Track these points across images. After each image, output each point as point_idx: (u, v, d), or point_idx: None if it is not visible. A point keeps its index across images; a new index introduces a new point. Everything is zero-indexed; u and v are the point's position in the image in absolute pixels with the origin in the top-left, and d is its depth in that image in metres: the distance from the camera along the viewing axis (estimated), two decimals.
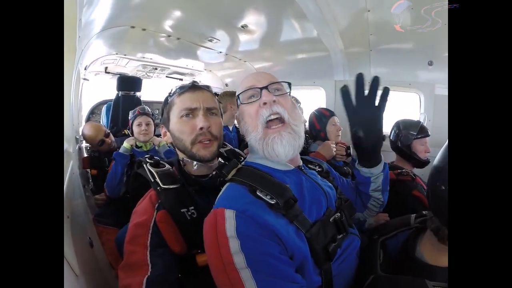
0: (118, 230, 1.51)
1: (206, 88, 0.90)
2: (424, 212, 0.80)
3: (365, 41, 1.98)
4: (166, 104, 0.89)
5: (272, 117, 0.73)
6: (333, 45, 2.09)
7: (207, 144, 0.82)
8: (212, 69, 3.33)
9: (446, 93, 2.05)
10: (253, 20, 1.87)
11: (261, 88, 0.75)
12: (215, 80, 3.62)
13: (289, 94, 0.82)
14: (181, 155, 0.87)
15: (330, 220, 0.71)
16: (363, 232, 0.90)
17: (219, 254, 0.59)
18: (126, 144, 1.87)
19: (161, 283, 0.64)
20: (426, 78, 2.13)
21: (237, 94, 0.82)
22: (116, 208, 1.79)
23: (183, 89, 0.86)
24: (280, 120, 0.74)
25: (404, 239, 0.78)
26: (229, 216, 0.62)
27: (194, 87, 0.86)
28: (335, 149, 1.70)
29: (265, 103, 0.73)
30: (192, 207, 0.76)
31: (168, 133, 0.89)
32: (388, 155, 1.87)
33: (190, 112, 0.83)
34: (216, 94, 0.92)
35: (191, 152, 0.82)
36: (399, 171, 1.56)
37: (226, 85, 3.63)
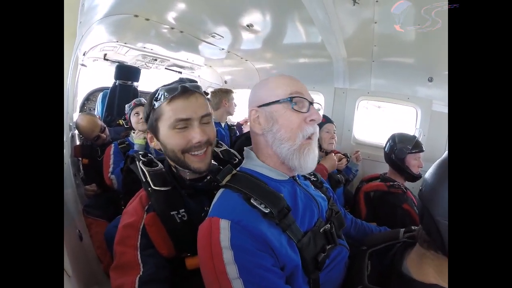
0: (107, 222, 1.49)
1: (197, 90, 0.81)
2: (413, 227, 0.81)
3: (369, 51, 1.99)
4: (153, 110, 0.79)
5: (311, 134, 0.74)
6: (336, 52, 2.10)
7: (202, 156, 0.79)
8: (212, 64, 3.31)
9: (443, 110, 2.09)
10: (259, 20, 1.86)
11: (311, 103, 0.75)
12: (214, 76, 3.59)
13: None
14: (172, 163, 0.83)
15: (320, 230, 0.73)
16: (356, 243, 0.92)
17: (212, 263, 0.59)
18: (138, 140, 1.83)
19: (153, 282, 0.64)
20: (424, 94, 2.15)
21: (269, 93, 0.76)
22: (106, 200, 1.77)
23: (172, 94, 0.76)
24: (312, 136, 0.75)
25: (392, 253, 0.79)
26: (224, 226, 0.62)
27: (185, 91, 0.77)
28: (337, 162, 1.72)
29: (312, 120, 0.73)
30: (183, 210, 0.75)
31: (155, 140, 0.83)
32: (381, 166, 1.90)
33: (184, 123, 0.76)
34: (205, 93, 0.86)
35: (184, 163, 0.78)
36: (391, 183, 1.58)
37: (225, 82, 3.61)
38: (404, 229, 0.84)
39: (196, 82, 0.84)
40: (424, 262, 0.67)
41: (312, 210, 0.75)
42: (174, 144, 0.77)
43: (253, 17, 1.83)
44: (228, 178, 0.73)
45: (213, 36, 2.23)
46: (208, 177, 0.82)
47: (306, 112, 0.73)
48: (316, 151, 0.76)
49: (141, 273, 0.64)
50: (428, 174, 0.67)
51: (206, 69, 3.45)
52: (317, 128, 0.76)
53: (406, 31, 1.62)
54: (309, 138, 0.74)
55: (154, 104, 0.79)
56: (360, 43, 1.91)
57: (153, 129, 0.81)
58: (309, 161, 0.73)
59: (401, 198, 1.50)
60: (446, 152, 0.67)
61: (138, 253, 0.68)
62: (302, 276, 0.66)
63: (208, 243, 0.61)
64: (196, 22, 2.00)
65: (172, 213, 0.73)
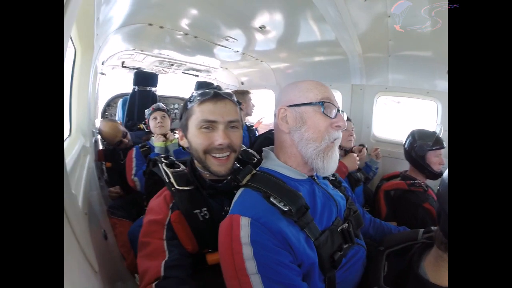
0: (131, 222, 1.57)
1: (229, 97, 0.85)
2: (432, 228, 0.79)
3: (384, 46, 1.93)
4: (186, 110, 0.86)
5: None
6: (351, 49, 2.05)
7: (223, 160, 0.81)
8: (228, 67, 3.35)
9: None
10: (271, 21, 1.87)
11: (339, 110, 0.79)
12: (230, 77, 3.64)
13: None
14: (196, 164, 0.87)
15: (338, 229, 0.74)
16: (375, 243, 0.91)
17: (232, 259, 0.62)
18: (158, 143, 1.91)
19: (178, 267, 0.69)
20: (444, 87, 2.05)
21: (300, 95, 0.79)
22: (129, 201, 1.86)
23: (204, 97, 0.81)
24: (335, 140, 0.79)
25: (410, 254, 0.77)
26: (244, 224, 0.64)
27: (216, 96, 0.82)
28: (359, 162, 1.70)
29: (338, 126, 0.77)
30: (205, 209, 0.78)
31: (185, 139, 0.88)
32: (402, 164, 1.84)
33: (210, 125, 0.80)
34: (238, 102, 0.90)
35: (205, 163, 0.82)
36: (411, 181, 1.53)
37: (242, 83, 3.65)
38: (423, 229, 0.81)
39: (212, 85, 0.88)
40: (442, 265, 0.65)
41: (331, 209, 0.77)
42: (198, 143, 0.81)
43: (265, 19, 1.83)
44: (248, 178, 0.76)
45: (227, 40, 2.26)
46: (229, 178, 0.85)
47: (333, 118, 0.76)
48: (337, 155, 0.79)
49: (166, 258, 0.69)
50: (445, 173, 0.65)
51: (222, 71, 3.50)
52: (341, 134, 0.79)
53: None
54: (332, 142, 0.77)
55: (187, 105, 0.85)
56: (375, 38, 1.86)
57: (184, 128, 0.87)
58: (332, 163, 0.77)
59: (422, 196, 1.45)
60: None
61: (165, 242, 0.72)
62: (318, 274, 0.67)
63: (229, 239, 0.64)
64: (209, 26, 2.04)
65: (195, 211, 0.77)
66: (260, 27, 1.95)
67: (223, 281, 0.65)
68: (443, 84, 2.05)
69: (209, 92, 0.82)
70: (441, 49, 1.78)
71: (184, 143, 0.89)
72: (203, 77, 3.61)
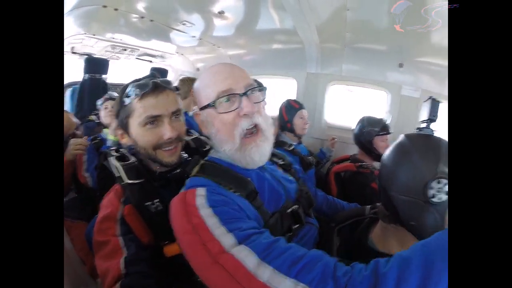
0: (86, 223, 1.46)
1: (168, 86, 0.81)
2: (377, 204, 0.86)
3: (341, 38, 2.03)
4: (123, 107, 0.79)
5: (251, 127, 0.71)
6: (309, 38, 2.12)
7: (173, 150, 0.80)
8: (184, 52, 3.22)
9: (412, 94, 2.22)
10: (231, 6, 1.83)
11: (241, 95, 0.70)
12: (186, 64, 3.51)
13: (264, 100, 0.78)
14: (143, 157, 0.84)
15: (288, 211, 0.75)
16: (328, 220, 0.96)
17: (191, 226, 0.58)
18: (111, 137, 1.74)
19: (138, 261, 0.66)
20: (394, 79, 2.25)
21: (203, 94, 0.74)
22: (82, 200, 1.72)
23: (143, 91, 0.76)
24: (256, 128, 0.72)
25: (359, 228, 0.86)
26: (200, 193, 0.62)
27: (156, 88, 0.77)
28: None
29: (245, 114, 0.69)
30: (157, 200, 0.76)
31: (126, 137, 0.83)
32: (352, 148, 2.00)
33: (154, 120, 0.77)
34: (176, 88, 0.86)
35: (155, 157, 0.80)
36: (360, 164, 1.68)
37: (198, 69, 3.54)
38: (370, 206, 0.90)
39: (160, 71, 0.83)
40: (387, 235, 0.74)
41: (279, 192, 0.77)
42: (145, 141, 0.78)
43: (225, 4, 1.79)
44: (196, 169, 0.74)
45: (184, 24, 2.17)
46: (178, 170, 0.83)
47: (237, 108, 0.70)
48: (265, 145, 0.74)
49: (125, 254, 0.66)
50: (384, 156, 0.74)
51: (178, 57, 3.35)
52: (260, 119, 0.72)
53: (378, 18, 1.67)
54: (252, 133, 0.72)
55: (124, 101, 0.79)
56: (333, 29, 1.94)
57: (124, 126, 0.82)
58: (256, 157, 0.72)
59: (370, 177, 1.59)
60: (401, 135, 0.74)
61: (120, 238, 0.69)
62: None
63: (183, 209, 0.61)
64: (167, 10, 1.94)
65: (146, 204, 0.74)
66: (220, 12, 1.90)
67: (185, 271, 0.62)
68: (393, 76, 2.26)
69: (147, 83, 0.76)
70: (394, 43, 1.94)
71: (126, 141, 0.84)
72: (157, 63, 3.42)
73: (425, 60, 2.08)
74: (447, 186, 0.61)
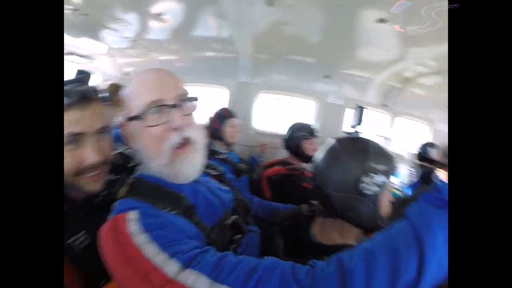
0: None
1: (96, 96, 0.68)
2: (312, 202, 0.92)
3: (275, 50, 2.18)
4: None
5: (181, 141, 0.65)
6: (244, 48, 2.21)
7: (97, 176, 0.67)
8: (114, 54, 2.89)
9: (336, 102, 2.65)
10: (171, 9, 1.76)
11: (172, 106, 0.63)
12: (114, 67, 3.15)
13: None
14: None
15: (227, 222, 0.71)
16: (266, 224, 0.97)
17: (125, 258, 0.50)
18: None
19: None
20: (321, 89, 2.62)
21: (132, 103, 0.65)
22: None
23: (67, 102, 0.60)
24: (187, 141, 0.66)
25: (298, 227, 0.90)
26: (132, 218, 0.54)
27: (83, 98, 0.63)
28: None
29: (174, 129, 0.63)
30: (83, 232, 0.65)
31: None
32: (281, 152, 2.12)
33: (75, 138, 0.63)
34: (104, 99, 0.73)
35: (77, 186, 0.66)
36: (290, 167, 1.81)
37: (126, 74, 3.22)
38: (306, 204, 0.95)
39: (89, 75, 0.70)
40: (327, 229, 0.81)
41: (215, 204, 0.73)
42: (64, 166, 0.60)
43: (165, 6, 1.71)
44: (125, 189, 0.65)
45: (118, 22, 1.97)
46: (104, 193, 0.72)
47: (166, 121, 0.63)
48: (197, 157, 0.69)
49: None
50: (317, 158, 0.82)
51: (107, 59, 2.98)
52: (191, 132, 0.67)
53: (311, 34, 1.86)
54: (183, 145, 0.65)
55: None
56: (268, 41, 2.06)
57: None
58: (188, 170, 0.67)
59: (301, 178, 1.73)
60: (332, 139, 0.83)
61: None
62: None
63: (114, 239, 0.53)
64: (103, 5, 1.75)
65: (68, 242, 0.62)
66: (159, 14, 1.81)
67: None
68: (320, 86, 2.61)
69: (71, 91, 0.61)
70: (323, 57, 2.21)
71: None
72: (83, 65, 2.95)
73: (349, 73, 2.49)
74: (376, 179, 0.73)
